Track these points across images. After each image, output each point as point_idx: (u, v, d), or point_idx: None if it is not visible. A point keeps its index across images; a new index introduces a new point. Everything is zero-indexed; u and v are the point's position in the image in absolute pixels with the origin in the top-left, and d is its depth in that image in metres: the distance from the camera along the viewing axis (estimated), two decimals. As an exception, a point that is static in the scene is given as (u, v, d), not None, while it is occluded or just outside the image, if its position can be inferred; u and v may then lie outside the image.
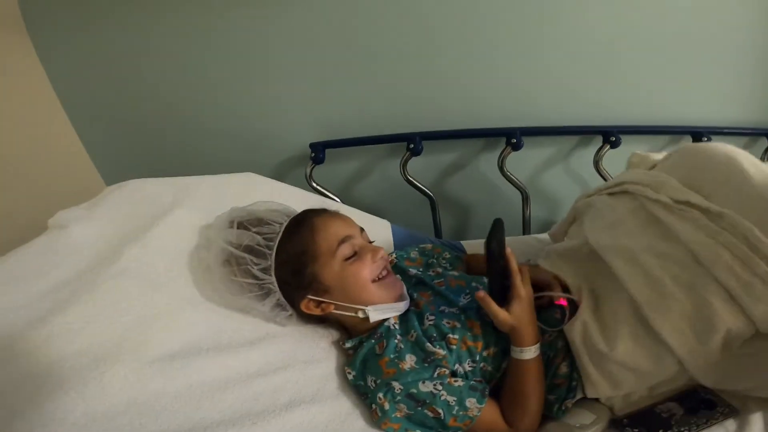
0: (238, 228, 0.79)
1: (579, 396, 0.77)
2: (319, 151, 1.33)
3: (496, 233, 0.72)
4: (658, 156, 0.99)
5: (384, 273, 0.80)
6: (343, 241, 0.77)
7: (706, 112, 1.39)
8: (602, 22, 1.26)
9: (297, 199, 1.05)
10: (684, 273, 0.68)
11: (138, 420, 0.56)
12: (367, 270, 0.77)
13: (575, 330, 0.77)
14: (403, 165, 1.35)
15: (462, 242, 1.23)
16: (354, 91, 1.36)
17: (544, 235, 1.19)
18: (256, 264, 0.76)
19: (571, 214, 1.02)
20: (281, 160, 1.46)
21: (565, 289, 0.83)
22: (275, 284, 0.77)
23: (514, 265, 0.76)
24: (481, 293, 0.73)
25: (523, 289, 0.75)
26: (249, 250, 0.77)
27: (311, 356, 0.78)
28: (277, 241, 0.77)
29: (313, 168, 1.34)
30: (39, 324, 0.60)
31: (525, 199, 1.41)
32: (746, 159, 0.76)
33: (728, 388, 0.69)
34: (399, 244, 1.12)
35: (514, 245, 1.20)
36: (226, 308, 0.77)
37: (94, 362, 0.58)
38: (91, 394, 0.55)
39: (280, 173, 1.47)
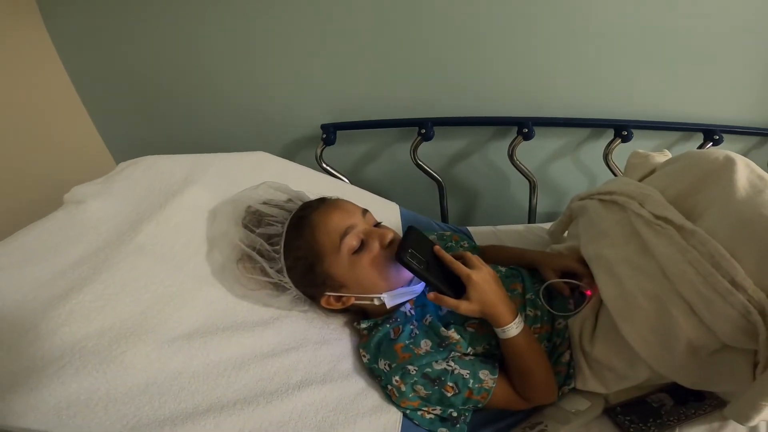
0: (243, 227, 0.79)
1: (575, 384, 0.79)
2: (330, 133, 1.32)
3: (406, 243, 0.72)
4: (660, 157, 0.99)
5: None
6: (345, 233, 0.74)
7: (719, 110, 1.38)
8: (619, 15, 1.24)
9: (307, 179, 1.06)
10: (652, 286, 0.71)
11: (158, 399, 0.57)
12: (378, 259, 0.76)
13: (575, 324, 0.81)
14: (414, 149, 1.35)
15: (469, 228, 1.24)
16: (367, 74, 1.33)
17: (549, 224, 1.21)
18: (270, 266, 0.76)
19: (567, 213, 1.04)
20: (292, 139, 1.45)
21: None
22: (290, 283, 0.77)
23: (446, 257, 0.75)
24: (432, 294, 0.73)
25: (472, 273, 0.73)
26: (260, 253, 0.77)
27: (323, 336, 0.79)
28: (282, 245, 0.76)
29: (323, 149, 1.33)
30: (60, 302, 0.60)
31: (532, 188, 1.41)
32: (742, 172, 0.75)
33: (704, 389, 0.72)
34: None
35: (522, 233, 1.23)
36: (243, 300, 0.77)
37: (116, 341, 0.59)
38: (113, 374, 0.56)
39: (290, 153, 1.46)
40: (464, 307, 0.72)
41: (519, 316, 0.74)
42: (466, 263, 0.75)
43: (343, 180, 1.32)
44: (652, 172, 0.95)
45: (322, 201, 0.82)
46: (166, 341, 0.63)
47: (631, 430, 0.71)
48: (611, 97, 1.36)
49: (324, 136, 1.33)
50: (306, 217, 0.78)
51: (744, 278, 0.63)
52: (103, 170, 0.90)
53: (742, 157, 0.79)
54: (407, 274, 0.79)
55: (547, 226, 1.23)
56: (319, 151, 1.33)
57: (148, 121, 1.46)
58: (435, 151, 1.43)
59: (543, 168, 1.50)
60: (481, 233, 1.22)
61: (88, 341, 0.57)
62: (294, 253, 0.76)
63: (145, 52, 1.33)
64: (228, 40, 1.29)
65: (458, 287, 0.74)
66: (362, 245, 0.76)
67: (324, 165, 1.35)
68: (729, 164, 0.76)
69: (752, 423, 0.63)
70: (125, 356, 0.58)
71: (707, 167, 0.79)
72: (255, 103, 1.40)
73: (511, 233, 1.23)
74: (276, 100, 1.39)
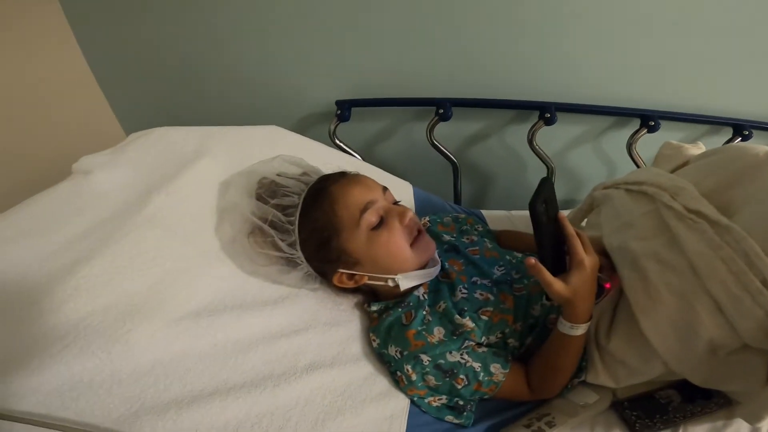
0: (256, 199, 0.76)
1: (584, 377, 0.78)
2: (345, 109, 1.29)
3: (542, 193, 0.63)
4: (694, 150, 0.94)
5: (415, 233, 0.76)
6: (365, 209, 0.72)
7: (750, 105, 1.32)
8: (655, 3, 1.17)
9: (320, 154, 1.03)
10: (679, 281, 0.68)
11: (163, 381, 0.56)
12: (397, 237, 0.74)
13: (593, 316, 0.78)
14: (430, 129, 1.31)
15: (482, 211, 1.22)
16: (386, 50, 1.29)
17: (567, 212, 1.18)
18: (282, 239, 0.74)
19: (587, 202, 1.00)
20: (306, 114, 1.41)
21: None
22: (302, 258, 0.75)
23: (570, 228, 0.67)
24: (532, 260, 0.64)
25: (586, 257, 0.66)
26: (273, 225, 0.74)
27: (333, 318, 0.78)
28: (297, 216, 0.74)
29: (337, 125, 1.30)
30: (65, 276, 0.59)
31: (550, 174, 1.37)
32: None
33: (715, 388, 0.71)
34: (420, 207, 1.11)
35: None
36: (253, 276, 0.75)
37: (121, 319, 0.57)
38: (118, 354, 0.55)
39: (303, 128, 1.43)
40: (557, 287, 0.65)
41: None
42: (582, 243, 0.68)
43: (356, 157, 1.29)
44: (685, 164, 0.91)
45: (343, 174, 0.79)
46: (173, 320, 0.62)
47: (637, 425, 0.71)
48: (639, 86, 1.31)
49: (339, 112, 1.30)
50: (325, 188, 0.76)
51: None
52: (113, 143, 0.88)
53: None
54: (424, 255, 0.77)
55: (564, 213, 1.20)
56: (332, 127, 1.30)
57: (159, 94, 1.43)
58: (452, 132, 1.39)
59: (562, 154, 1.45)
60: (495, 217, 1.20)
61: (93, 318, 0.56)
62: (310, 224, 0.74)
63: (158, 23, 1.29)
64: (243, 11, 1.25)
65: (559, 263, 0.68)
66: (381, 222, 0.74)
67: (337, 141, 1.32)
68: None
69: (762, 423, 0.63)
70: (131, 335, 0.56)
71: (747, 162, 0.76)
72: (269, 77, 1.36)
73: (526, 219, 1.18)
74: (291, 74, 1.35)
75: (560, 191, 1.52)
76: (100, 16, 1.29)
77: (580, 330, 0.68)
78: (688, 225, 0.71)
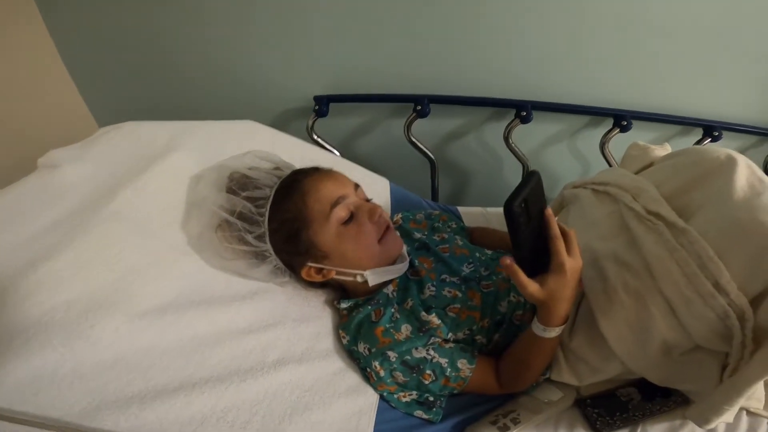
0: (227, 192, 0.76)
1: (549, 374, 0.79)
2: (323, 104, 1.29)
3: (522, 190, 0.58)
4: (660, 151, 0.96)
5: (383, 230, 0.77)
6: (336, 203, 0.73)
7: (720, 107, 1.35)
8: (627, 5, 1.19)
9: (296, 150, 1.03)
10: (635, 282, 0.70)
11: (126, 376, 0.56)
12: (365, 233, 0.75)
13: None
14: (408, 126, 1.32)
15: (458, 208, 1.23)
16: (365, 46, 1.29)
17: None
18: (249, 231, 0.74)
19: (557, 200, 1.02)
20: (283, 109, 1.41)
21: None
22: (271, 251, 0.75)
23: (555, 229, 0.63)
24: (508, 260, 0.62)
25: (567, 260, 0.62)
26: (241, 217, 0.74)
27: (302, 314, 0.78)
28: (268, 208, 0.74)
29: (315, 120, 1.30)
30: (28, 270, 0.58)
31: (525, 171, 1.39)
32: (742, 173, 0.72)
33: (672, 386, 0.73)
34: (397, 204, 1.12)
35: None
36: (220, 271, 0.75)
37: (84, 314, 0.57)
38: (81, 348, 0.54)
39: (281, 123, 1.42)
40: (531, 289, 0.63)
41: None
42: (567, 244, 0.64)
43: (333, 153, 1.29)
44: (650, 165, 0.93)
45: (316, 169, 0.80)
46: (137, 315, 0.61)
47: (598, 423, 0.73)
48: (613, 86, 1.33)
49: (316, 107, 1.29)
50: (298, 181, 0.76)
51: (728, 282, 0.62)
52: (85, 137, 0.86)
53: (744, 157, 0.76)
54: (392, 252, 0.78)
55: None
56: (310, 123, 1.30)
57: (134, 86, 1.41)
58: (429, 129, 1.39)
59: (537, 152, 1.47)
60: (471, 214, 1.21)
61: (55, 313, 0.56)
62: (280, 215, 0.74)
63: (134, 12, 1.26)
64: (222, 2, 1.23)
65: (538, 262, 0.64)
66: (351, 217, 0.75)
67: (315, 137, 1.31)
68: (730, 163, 0.74)
69: (711, 426, 0.63)
70: (93, 330, 0.56)
71: (708, 165, 0.77)
72: (246, 71, 1.35)
73: (501, 215, 1.18)
74: (269, 68, 1.34)
75: (536, 189, 1.54)
76: (72, 2, 1.25)
77: (553, 333, 0.67)
78: (646, 226, 0.73)
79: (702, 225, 0.69)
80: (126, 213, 0.71)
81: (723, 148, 0.80)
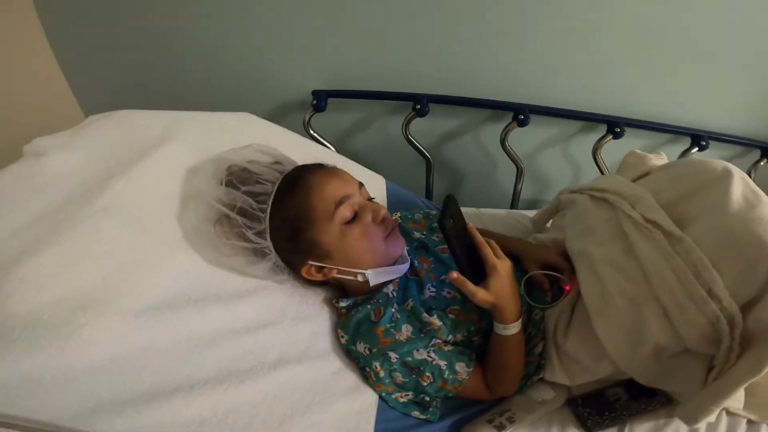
0: (226, 186, 0.74)
1: (543, 375, 0.81)
2: (321, 99, 1.26)
3: (447, 209, 0.67)
4: (656, 160, 0.98)
5: (388, 230, 0.76)
6: (341, 202, 0.72)
7: (709, 117, 1.39)
8: (625, 13, 1.21)
9: (292, 144, 1.00)
10: (631, 287, 0.73)
11: (119, 378, 0.54)
12: (369, 233, 0.74)
13: (552, 316, 0.82)
14: (406, 124, 1.30)
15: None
16: (366, 42, 1.27)
17: (533, 212, 1.20)
18: (250, 228, 0.72)
19: (554, 204, 1.03)
20: (280, 102, 1.37)
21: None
22: (271, 248, 0.73)
23: (479, 238, 0.72)
24: (454, 274, 0.68)
25: (498, 262, 0.71)
26: (242, 212, 0.72)
27: (301, 313, 0.77)
28: (270, 204, 0.72)
29: (312, 115, 1.28)
30: (12, 266, 0.54)
31: (519, 174, 1.40)
32: (737, 185, 0.75)
33: (658, 387, 0.75)
34: (392, 201, 1.11)
35: (504, 217, 1.22)
36: (217, 267, 0.72)
37: (74, 313, 0.54)
38: (71, 349, 0.51)
39: (277, 116, 1.39)
40: (481, 295, 0.69)
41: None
42: (492, 250, 0.72)
43: (329, 148, 1.27)
44: (647, 173, 0.95)
45: (321, 166, 0.78)
46: (131, 313, 0.59)
47: (589, 422, 0.75)
48: (607, 93, 1.35)
49: (314, 102, 1.27)
50: (302, 178, 0.75)
51: (721, 289, 0.65)
52: (70, 125, 0.82)
53: (739, 170, 0.79)
54: (395, 253, 0.78)
55: (530, 213, 1.23)
56: (307, 117, 1.27)
57: (124, 75, 1.36)
58: (427, 128, 1.39)
59: (531, 155, 1.48)
60: (465, 214, 1.16)
61: (42, 313, 0.52)
62: (283, 213, 0.72)
63: (126, 7, 1.22)
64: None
65: (477, 273, 0.71)
66: (355, 217, 0.74)
67: (311, 131, 1.29)
68: (726, 176, 0.76)
69: (698, 425, 0.66)
70: (84, 330, 0.53)
71: (704, 176, 0.79)
72: (244, 63, 1.32)
73: (494, 217, 1.23)
74: (267, 60, 1.31)
75: (527, 191, 1.55)
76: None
77: (512, 329, 0.72)
78: (644, 234, 0.75)
79: (698, 234, 0.71)
80: (117, 206, 0.68)
81: (719, 160, 0.82)
